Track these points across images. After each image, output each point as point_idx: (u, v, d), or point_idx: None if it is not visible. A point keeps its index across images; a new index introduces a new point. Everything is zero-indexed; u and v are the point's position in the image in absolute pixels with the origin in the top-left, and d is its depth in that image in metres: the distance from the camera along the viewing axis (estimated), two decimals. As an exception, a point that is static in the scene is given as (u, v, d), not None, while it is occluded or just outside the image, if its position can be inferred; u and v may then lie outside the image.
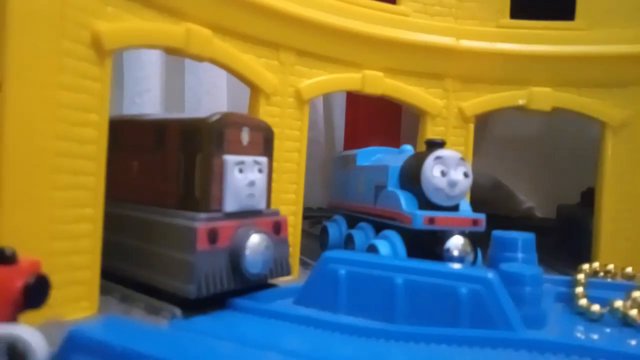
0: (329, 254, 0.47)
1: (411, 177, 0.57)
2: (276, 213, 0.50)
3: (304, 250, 0.66)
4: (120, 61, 1.02)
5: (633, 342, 0.42)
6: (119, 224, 0.48)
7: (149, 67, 1.02)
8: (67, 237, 0.40)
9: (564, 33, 0.75)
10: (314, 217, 1.03)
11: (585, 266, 0.59)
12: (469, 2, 0.76)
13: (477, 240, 0.55)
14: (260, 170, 0.47)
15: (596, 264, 0.61)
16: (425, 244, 0.54)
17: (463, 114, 0.74)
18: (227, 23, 0.55)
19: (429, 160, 0.55)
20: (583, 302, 0.50)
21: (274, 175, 0.59)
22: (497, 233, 0.53)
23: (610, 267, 0.61)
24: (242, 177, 0.45)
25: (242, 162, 0.45)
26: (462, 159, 0.56)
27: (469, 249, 0.52)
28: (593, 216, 0.75)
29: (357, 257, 0.46)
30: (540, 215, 1.33)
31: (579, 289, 0.52)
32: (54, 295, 0.38)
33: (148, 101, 1.00)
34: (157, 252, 0.44)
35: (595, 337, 0.43)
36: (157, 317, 0.42)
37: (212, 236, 0.42)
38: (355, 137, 1.20)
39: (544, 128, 1.24)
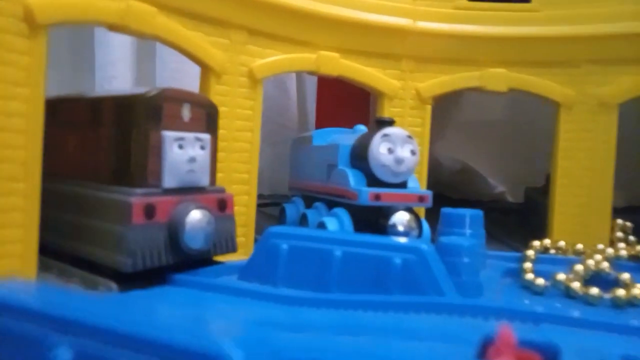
0: (273, 229, 0.47)
1: (360, 155, 0.57)
2: (221, 190, 0.50)
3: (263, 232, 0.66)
4: (91, 45, 1.01)
5: (573, 313, 0.43)
6: (59, 200, 0.47)
7: (119, 50, 1.01)
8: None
9: (520, 15, 0.75)
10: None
11: (536, 243, 0.60)
12: (426, -17, 0.76)
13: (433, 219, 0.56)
14: (202, 147, 0.47)
15: (547, 241, 0.62)
16: (372, 220, 0.54)
17: (420, 95, 0.75)
18: (173, 1, 0.55)
19: (376, 138, 0.55)
20: (529, 276, 0.51)
21: (224, 154, 0.59)
22: (445, 210, 0.54)
23: (561, 243, 0.62)
24: (181, 153, 0.45)
25: (182, 138, 0.45)
26: (410, 136, 0.57)
27: (414, 224, 0.53)
28: (549, 196, 0.76)
29: (300, 232, 0.47)
30: (511, 200, 1.35)
31: (527, 264, 0.53)
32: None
33: (117, 86, 1.00)
34: (95, 227, 0.44)
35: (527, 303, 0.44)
36: (93, 291, 0.42)
37: (149, 211, 0.42)
38: (327, 120, 1.20)
39: (511, 111, 1.25)
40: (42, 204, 0.43)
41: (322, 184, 0.65)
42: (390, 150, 0.55)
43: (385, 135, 0.56)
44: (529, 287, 0.50)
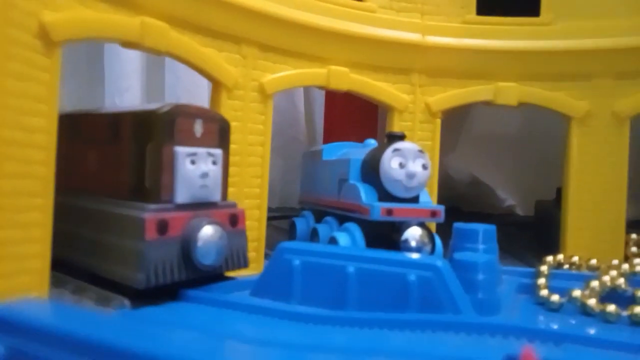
0: (285, 244, 0.47)
1: (371, 170, 0.57)
2: (233, 205, 0.50)
3: (273, 246, 0.65)
4: (101, 58, 1.02)
5: (591, 331, 0.42)
6: (74, 215, 0.47)
7: (129, 64, 1.02)
8: (16, 226, 0.39)
9: (529, 28, 0.75)
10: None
11: (549, 258, 0.60)
12: (435, -3, 0.76)
13: (444, 234, 0.55)
14: (214, 162, 0.47)
15: (560, 256, 0.61)
16: (384, 235, 0.54)
17: (430, 109, 0.74)
18: (185, 16, 0.55)
19: (388, 153, 0.55)
20: (544, 292, 0.50)
21: (237, 169, 0.59)
22: (458, 225, 0.53)
23: (575, 258, 0.62)
24: (194, 169, 0.45)
25: (194, 154, 0.45)
26: (421, 151, 0.57)
27: (426, 239, 0.53)
28: (562, 210, 0.75)
29: (312, 248, 0.46)
30: (521, 213, 1.34)
31: (541, 280, 0.52)
32: (1, 284, 0.38)
33: (128, 99, 1.00)
34: (109, 243, 0.44)
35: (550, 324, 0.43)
36: (106, 308, 0.41)
37: (162, 227, 0.42)
38: (334, 134, 1.21)
39: (522, 125, 1.25)
40: (60, 219, 0.43)
41: (333, 199, 0.65)
42: (401, 165, 0.55)
43: (397, 149, 0.56)
44: (544, 304, 0.49)
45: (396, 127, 0.73)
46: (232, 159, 0.53)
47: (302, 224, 0.73)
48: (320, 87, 0.71)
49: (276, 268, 0.46)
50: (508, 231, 0.99)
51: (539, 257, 0.76)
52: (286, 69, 0.66)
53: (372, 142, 0.66)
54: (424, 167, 0.56)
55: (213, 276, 0.47)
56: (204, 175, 0.46)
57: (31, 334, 0.23)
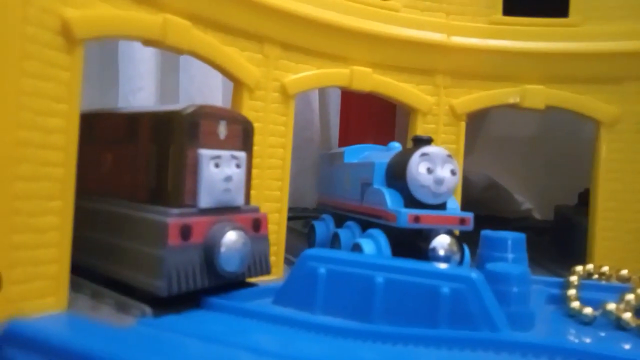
0: (310, 252, 0.45)
1: (397, 175, 0.55)
2: (256, 210, 0.49)
3: (292, 250, 0.64)
4: (115, 58, 1.02)
5: (626, 346, 0.41)
6: (93, 218, 0.46)
7: (143, 64, 1.01)
8: (31, 230, 0.38)
9: (557, 30, 0.73)
10: (309, 217, 1.01)
11: (579, 268, 0.58)
12: (461, -3, 0.74)
13: (466, 240, 0.53)
14: (238, 166, 0.46)
15: (590, 266, 0.59)
16: (411, 243, 0.52)
17: (454, 111, 0.73)
18: (208, 14, 0.54)
19: (415, 157, 0.53)
20: (575, 304, 0.48)
21: (257, 172, 0.58)
22: (486, 233, 0.51)
23: (605, 269, 0.60)
24: (218, 172, 0.44)
25: (218, 157, 0.44)
26: (450, 156, 0.55)
27: (455, 248, 0.51)
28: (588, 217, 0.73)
29: (338, 255, 0.45)
30: (539, 217, 1.32)
31: (572, 291, 0.51)
32: (16, 290, 0.37)
33: (142, 100, 0.99)
34: (129, 248, 0.43)
35: (586, 340, 0.42)
36: (126, 315, 0.40)
37: (185, 232, 0.41)
38: (350, 135, 1.19)
39: (541, 127, 1.22)
40: (76, 222, 0.41)
41: (355, 203, 0.63)
42: (429, 170, 0.53)
43: (424, 154, 0.54)
44: (576, 316, 0.47)
45: (419, 129, 0.71)
46: (253, 161, 0.51)
47: (322, 228, 0.71)
48: (343, 88, 0.69)
49: (300, 276, 0.44)
50: (526, 236, 0.97)
51: (559, 264, 0.74)
52: (308, 69, 0.64)
53: (396, 145, 0.64)
54: (453, 172, 0.54)
55: (235, 282, 0.46)
56: (228, 178, 0.44)
57: (50, 352, 0.22)
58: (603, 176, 0.71)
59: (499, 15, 0.75)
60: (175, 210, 0.41)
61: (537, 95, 0.72)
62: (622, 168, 0.71)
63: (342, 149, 0.73)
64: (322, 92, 1.25)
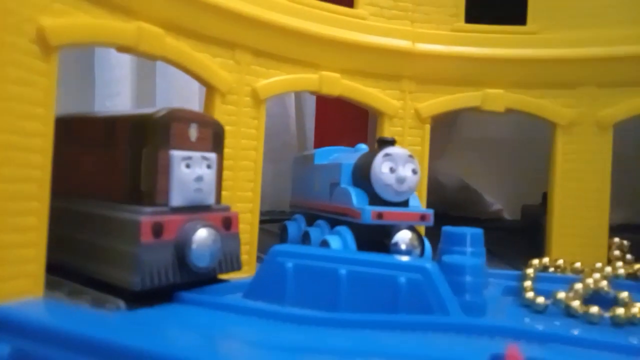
0: (278, 247, 0.47)
1: (362, 174, 0.58)
2: (227, 209, 0.51)
3: (265, 249, 0.66)
4: (91, 62, 1.02)
5: (574, 331, 0.44)
6: (69, 218, 0.48)
7: (119, 69, 1.02)
8: (13, 230, 0.40)
9: (516, 37, 0.77)
10: (285, 220, 1.03)
11: (535, 261, 0.61)
12: (425, 6, 0.78)
13: (429, 236, 0.56)
14: (208, 166, 0.48)
15: (546, 259, 0.63)
16: (375, 239, 0.55)
17: (419, 114, 0.76)
18: (181, 22, 0.56)
19: (378, 157, 0.56)
20: (529, 294, 0.51)
21: (230, 173, 0.60)
22: (446, 228, 0.54)
23: (560, 262, 0.63)
24: (189, 172, 0.46)
25: (189, 158, 0.46)
26: (411, 156, 0.58)
27: (416, 243, 0.54)
28: (547, 214, 0.77)
29: (304, 251, 0.47)
30: (508, 217, 1.36)
31: (527, 283, 0.54)
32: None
33: (118, 104, 1.00)
34: (104, 246, 0.44)
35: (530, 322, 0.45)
36: (102, 310, 0.42)
37: (157, 230, 0.43)
38: (325, 138, 1.22)
39: (509, 130, 1.27)
40: (55, 222, 0.43)
41: (324, 202, 0.66)
42: (392, 170, 0.56)
43: (387, 154, 0.57)
44: (530, 306, 0.50)
45: (386, 132, 0.74)
46: (225, 163, 0.53)
47: (294, 227, 0.74)
48: (313, 93, 0.72)
49: (269, 271, 0.47)
50: (496, 235, 1.01)
51: (525, 260, 0.77)
52: (279, 74, 0.67)
53: (363, 147, 0.67)
54: (414, 171, 0.57)
55: (207, 279, 0.48)
56: (199, 179, 0.46)
57: (37, 334, 0.24)
58: (560, 176, 0.75)
59: (461, 23, 0.79)
60: (148, 209, 0.43)
61: (497, 99, 0.76)
62: (578, 168, 0.75)
63: (313, 151, 0.75)
64: (298, 97, 1.28)
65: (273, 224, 1.02)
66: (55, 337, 0.26)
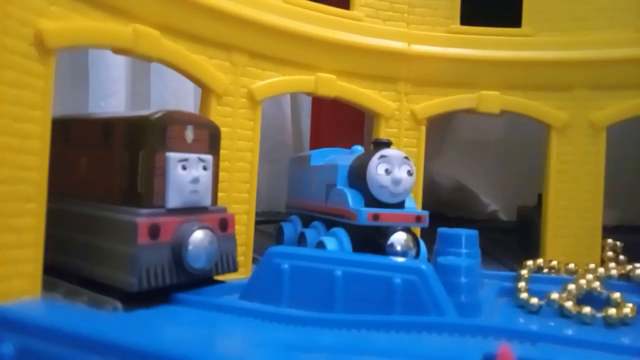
0: (274, 249, 0.48)
1: (358, 176, 0.59)
2: (223, 210, 0.51)
3: (263, 251, 0.66)
4: (85, 62, 1.02)
5: (568, 331, 0.44)
6: (68, 219, 0.48)
7: (114, 69, 1.02)
8: (10, 230, 0.40)
9: (511, 39, 0.78)
10: (281, 221, 1.03)
11: (530, 262, 0.62)
12: (421, 8, 0.78)
13: (424, 237, 0.57)
14: (205, 168, 0.48)
15: (540, 260, 0.63)
16: (371, 240, 0.55)
17: (415, 116, 0.76)
18: (177, 24, 0.56)
19: (374, 159, 0.57)
20: (524, 295, 0.52)
21: (226, 175, 0.60)
22: (442, 230, 0.55)
23: (554, 263, 0.64)
24: (185, 174, 0.46)
25: (185, 159, 0.46)
26: (407, 157, 0.58)
27: (411, 244, 0.54)
28: (542, 215, 0.77)
29: (300, 252, 0.47)
30: (504, 218, 1.36)
31: (521, 284, 0.54)
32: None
33: (113, 104, 1.00)
34: (101, 247, 0.45)
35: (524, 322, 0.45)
36: (99, 311, 0.42)
37: (154, 231, 0.43)
38: (321, 139, 1.22)
39: (505, 131, 1.27)
40: (53, 223, 0.43)
41: (320, 204, 0.66)
42: (387, 171, 0.56)
43: (383, 156, 0.57)
44: (524, 306, 0.51)
45: (382, 133, 0.75)
46: (221, 164, 0.54)
47: (290, 228, 0.74)
48: (308, 94, 0.72)
49: (265, 272, 0.47)
50: (491, 236, 1.02)
51: (521, 261, 0.78)
52: (275, 75, 0.67)
53: (359, 149, 0.67)
54: (409, 173, 0.57)
55: (203, 280, 0.48)
56: (195, 180, 0.47)
57: (37, 333, 0.24)
58: (554, 177, 0.76)
59: (457, 25, 0.79)
60: (145, 211, 0.43)
61: (492, 100, 0.77)
62: (572, 169, 0.75)
63: (309, 152, 0.76)
64: (294, 97, 1.28)
65: (269, 225, 1.02)
66: (54, 336, 0.26)
